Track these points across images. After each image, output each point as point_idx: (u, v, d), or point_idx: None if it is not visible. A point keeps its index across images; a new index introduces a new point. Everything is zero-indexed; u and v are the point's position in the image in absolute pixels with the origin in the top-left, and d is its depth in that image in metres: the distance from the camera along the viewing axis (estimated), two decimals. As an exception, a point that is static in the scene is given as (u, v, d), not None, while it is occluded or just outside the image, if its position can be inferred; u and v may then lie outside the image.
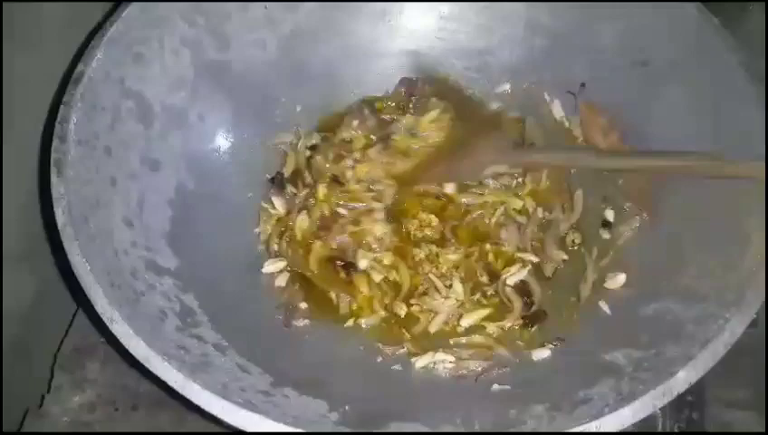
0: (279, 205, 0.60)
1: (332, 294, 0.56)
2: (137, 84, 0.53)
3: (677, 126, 0.55)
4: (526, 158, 0.61)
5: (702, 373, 0.38)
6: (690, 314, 0.43)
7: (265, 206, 0.61)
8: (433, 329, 0.53)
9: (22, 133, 0.57)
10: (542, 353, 0.50)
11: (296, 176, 0.62)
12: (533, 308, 0.53)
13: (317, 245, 0.57)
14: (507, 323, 0.52)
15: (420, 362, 0.51)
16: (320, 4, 0.62)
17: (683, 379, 0.37)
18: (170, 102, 0.56)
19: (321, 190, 0.59)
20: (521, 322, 0.53)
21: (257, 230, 0.60)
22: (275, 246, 0.59)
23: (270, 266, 0.57)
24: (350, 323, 0.54)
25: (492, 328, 0.53)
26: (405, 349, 0.53)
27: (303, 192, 0.61)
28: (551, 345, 0.50)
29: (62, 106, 0.47)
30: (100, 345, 0.67)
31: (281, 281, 0.57)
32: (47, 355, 0.65)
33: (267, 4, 0.61)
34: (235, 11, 0.59)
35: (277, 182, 0.62)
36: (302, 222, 0.58)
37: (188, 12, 0.57)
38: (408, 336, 0.53)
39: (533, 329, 0.51)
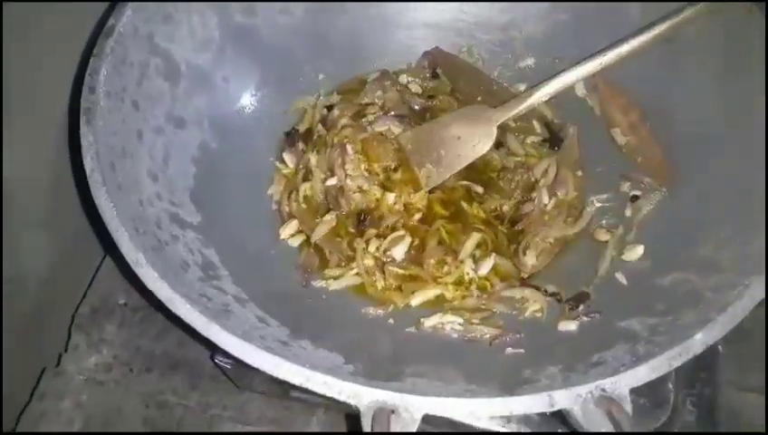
0: (289, 160, 0.62)
1: (326, 251, 0.57)
2: (165, 42, 0.54)
3: (700, 103, 0.55)
4: (501, 118, 0.58)
5: (720, 336, 0.37)
6: (709, 283, 0.43)
7: (279, 166, 0.62)
8: (379, 286, 0.55)
9: (46, 110, 0.59)
10: (568, 325, 0.50)
11: (309, 133, 0.63)
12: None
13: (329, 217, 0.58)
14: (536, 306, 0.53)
15: (429, 321, 0.52)
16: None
17: (700, 340, 0.37)
18: (196, 63, 0.57)
19: (341, 129, 0.61)
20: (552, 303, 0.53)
21: (270, 191, 0.61)
22: (286, 207, 0.59)
23: (285, 231, 0.58)
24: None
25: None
26: (391, 308, 0.54)
27: (312, 153, 0.62)
28: (586, 318, 0.49)
29: (92, 58, 0.48)
30: (118, 308, 0.68)
31: (295, 242, 0.58)
32: (65, 317, 0.67)
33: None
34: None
35: (290, 138, 0.63)
36: (306, 187, 0.60)
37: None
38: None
39: (581, 308, 0.51)
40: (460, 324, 0.52)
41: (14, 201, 0.55)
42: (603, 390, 0.35)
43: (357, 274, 0.55)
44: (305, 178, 0.60)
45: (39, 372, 0.64)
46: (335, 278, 0.55)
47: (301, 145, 0.62)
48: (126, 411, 0.64)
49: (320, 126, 0.63)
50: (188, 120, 0.56)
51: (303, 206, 0.59)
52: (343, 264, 0.56)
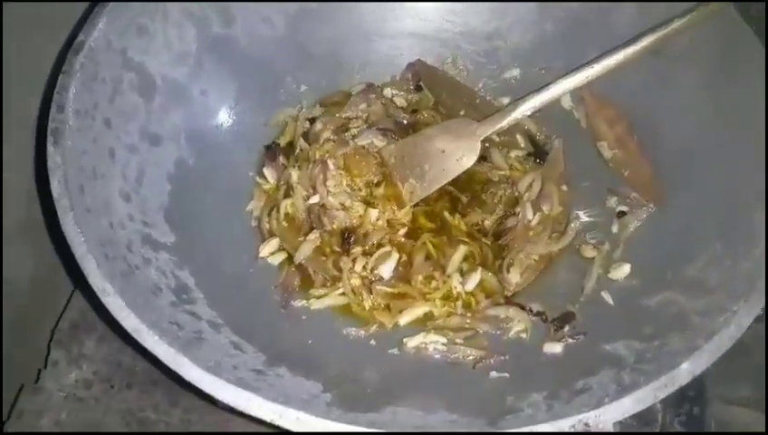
0: (269, 175, 0.60)
1: (311, 271, 0.56)
2: (139, 56, 0.53)
3: (688, 116, 0.54)
4: (485, 133, 0.56)
5: (706, 365, 0.37)
6: (696, 305, 0.42)
7: (260, 181, 0.60)
8: (366, 306, 0.53)
9: (24, 103, 0.56)
10: (553, 347, 0.48)
11: (290, 147, 0.62)
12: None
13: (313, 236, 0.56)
14: (518, 327, 0.52)
15: (412, 341, 0.50)
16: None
17: (687, 370, 0.36)
18: (173, 77, 0.55)
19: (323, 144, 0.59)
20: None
21: (249, 208, 0.59)
22: (266, 225, 0.58)
23: (265, 249, 0.57)
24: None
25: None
26: (373, 328, 0.52)
27: (293, 168, 0.60)
28: (571, 340, 0.48)
29: (61, 75, 0.47)
30: (98, 323, 0.67)
31: (275, 260, 0.57)
32: (44, 331, 0.65)
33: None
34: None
35: (270, 152, 0.61)
36: (287, 204, 0.58)
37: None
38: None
39: (566, 329, 0.50)
40: (443, 344, 0.50)
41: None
42: (587, 424, 0.34)
43: (342, 293, 0.54)
44: (286, 195, 0.58)
45: (17, 385, 0.62)
46: (318, 298, 0.54)
47: (281, 159, 0.61)
48: (106, 429, 0.62)
49: (302, 140, 0.61)
50: (164, 136, 0.54)
51: (285, 224, 0.57)
52: (329, 284, 0.55)
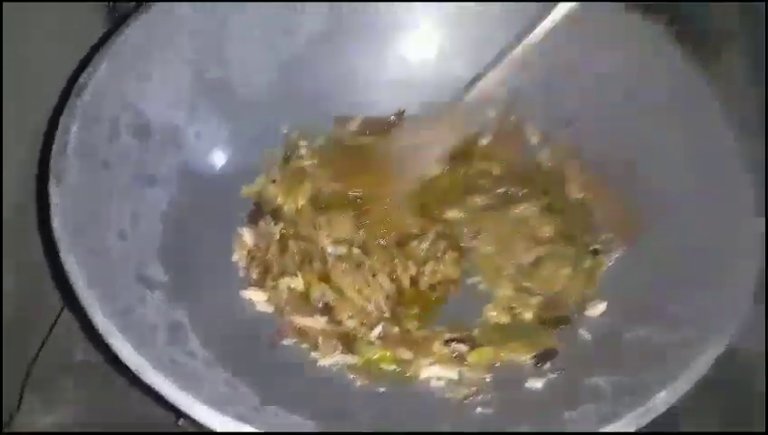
0: (248, 237, 0.58)
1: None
2: (137, 100, 0.54)
3: (665, 171, 0.56)
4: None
5: (680, 394, 0.39)
6: (672, 339, 0.45)
7: (240, 232, 0.59)
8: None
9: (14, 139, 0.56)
10: (535, 383, 0.49)
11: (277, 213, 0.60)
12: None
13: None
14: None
15: (426, 372, 0.50)
16: (320, 29, 0.64)
17: (663, 399, 0.39)
18: (169, 120, 0.57)
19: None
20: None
21: (235, 258, 0.58)
22: (254, 276, 0.57)
23: (250, 294, 0.56)
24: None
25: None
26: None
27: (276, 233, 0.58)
28: (552, 375, 0.49)
29: (62, 116, 0.48)
30: (75, 365, 0.65)
31: (265, 308, 0.55)
32: (18, 372, 0.63)
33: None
34: (236, 34, 0.61)
35: (252, 212, 0.60)
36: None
37: (192, 31, 0.58)
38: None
39: (546, 366, 0.50)
40: (451, 380, 0.50)
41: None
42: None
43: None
44: (282, 273, 0.56)
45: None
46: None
47: (263, 224, 0.59)
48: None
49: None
50: (159, 177, 0.55)
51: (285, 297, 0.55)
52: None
